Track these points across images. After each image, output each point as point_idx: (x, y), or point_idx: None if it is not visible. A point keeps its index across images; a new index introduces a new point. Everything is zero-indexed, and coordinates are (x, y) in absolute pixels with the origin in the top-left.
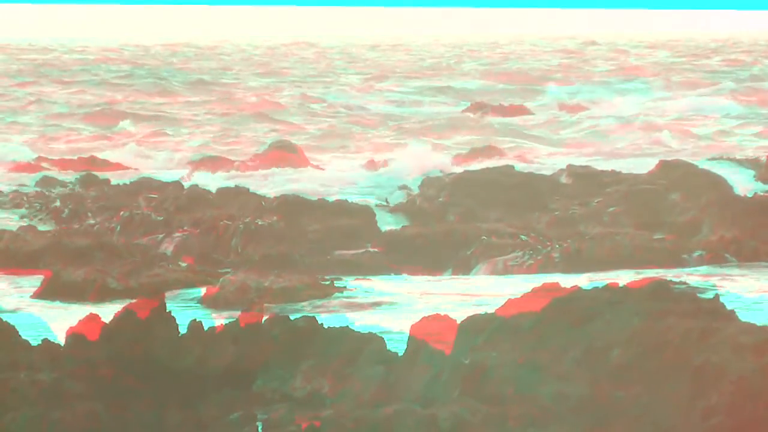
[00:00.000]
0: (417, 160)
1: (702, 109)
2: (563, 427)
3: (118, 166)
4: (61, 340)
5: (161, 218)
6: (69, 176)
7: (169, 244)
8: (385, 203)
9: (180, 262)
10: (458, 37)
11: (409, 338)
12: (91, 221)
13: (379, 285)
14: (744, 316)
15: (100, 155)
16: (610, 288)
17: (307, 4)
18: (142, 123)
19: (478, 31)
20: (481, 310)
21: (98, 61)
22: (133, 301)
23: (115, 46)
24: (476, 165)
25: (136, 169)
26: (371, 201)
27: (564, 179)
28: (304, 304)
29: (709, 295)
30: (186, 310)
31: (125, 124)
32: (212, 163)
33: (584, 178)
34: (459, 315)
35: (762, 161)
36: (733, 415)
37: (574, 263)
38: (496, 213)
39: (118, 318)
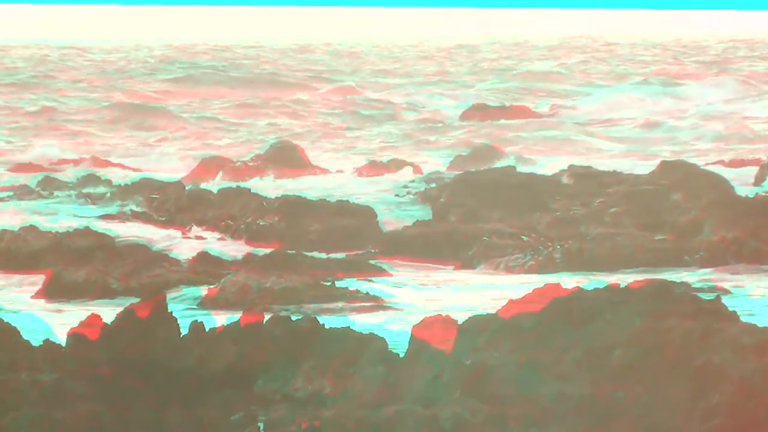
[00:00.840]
0: None
1: None
2: (564, 428)
3: (119, 166)
4: (62, 340)
5: (163, 218)
6: (70, 176)
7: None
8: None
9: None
10: (466, 38)
11: (411, 338)
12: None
13: (380, 285)
14: (745, 316)
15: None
16: (611, 288)
17: (302, 4)
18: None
19: (480, 31)
20: (482, 311)
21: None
22: (134, 301)
23: (148, 45)
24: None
25: (138, 169)
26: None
27: (565, 179)
28: (305, 304)
29: (710, 295)
30: (187, 310)
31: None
32: (213, 163)
33: (585, 178)
34: (460, 315)
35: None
36: (734, 415)
37: (575, 263)
38: (497, 213)
39: (119, 318)
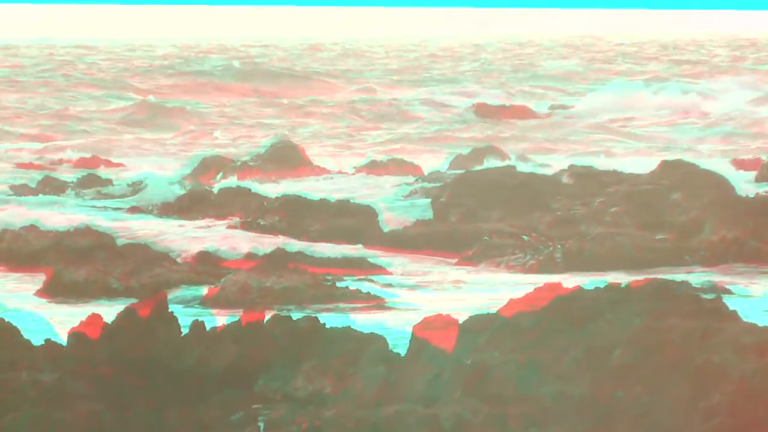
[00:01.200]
0: None
1: None
2: (564, 427)
3: (120, 165)
4: (62, 339)
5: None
6: (71, 176)
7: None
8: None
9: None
10: (466, 38)
11: (411, 338)
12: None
13: (380, 285)
14: (745, 316)
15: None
16: (612, 288)
17: (301, 5)
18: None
19: (480, 31)
20: (482, 310)
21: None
22: (135, 300)
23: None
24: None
25: (139, 168)
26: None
27: (565, 179)
28: (305, 303)
29: (711, 295)
30: (188, 309)
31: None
32: (214, 162)
33: (586, 178)
34: (461, 315)
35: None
36: (734, 415)
37: (575, 263)
38: (497, 213)
39: (120, 318)
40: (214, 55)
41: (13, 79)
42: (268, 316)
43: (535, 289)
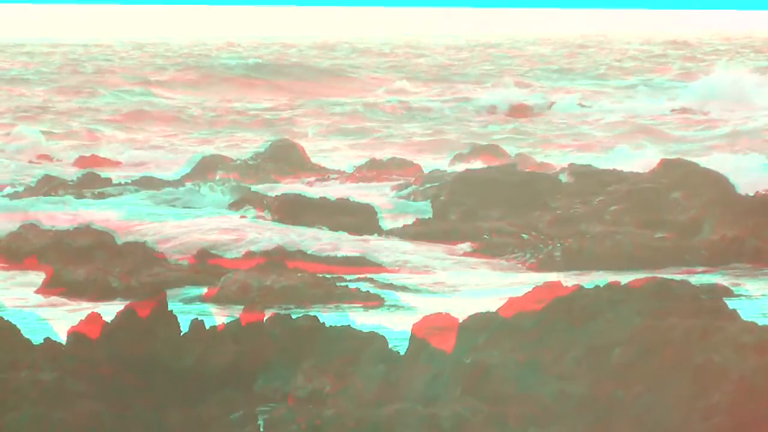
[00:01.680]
0: None
1: None
2: (564, 427)
3: (120, 164)
4: (62, 339)
5: None
6: (71, 174)
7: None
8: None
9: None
10: (464, 38)
11: (411, 337)
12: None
13: (380, 284)
14: (746, 315)
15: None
16: (612, 287)
17: (307, 4)
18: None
19: (480, 31)
20: (482, 310)
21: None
22: (135, 300)
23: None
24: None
25: (139, 165)
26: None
27: (565, 178)
28: (305, 302)
29: (711, 294)
30: (187, 309)
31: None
32: (213, 161)
33: (585, 176)
34: (460, 314)
35: None
36: (735, 414)
37: (575, 262)
38: (497, 211)
39: (120, 317)
40: (221, 52)
41: (17, 77)
42: (267, 315)
43: (534, 288)
